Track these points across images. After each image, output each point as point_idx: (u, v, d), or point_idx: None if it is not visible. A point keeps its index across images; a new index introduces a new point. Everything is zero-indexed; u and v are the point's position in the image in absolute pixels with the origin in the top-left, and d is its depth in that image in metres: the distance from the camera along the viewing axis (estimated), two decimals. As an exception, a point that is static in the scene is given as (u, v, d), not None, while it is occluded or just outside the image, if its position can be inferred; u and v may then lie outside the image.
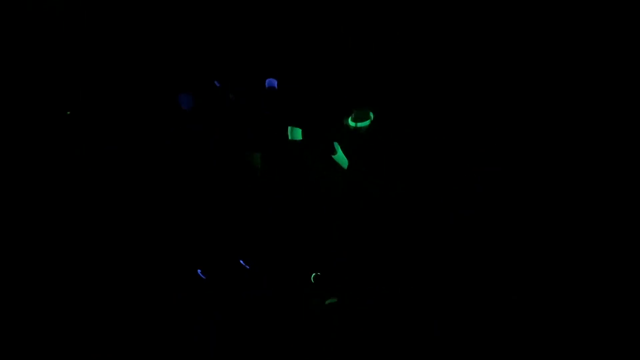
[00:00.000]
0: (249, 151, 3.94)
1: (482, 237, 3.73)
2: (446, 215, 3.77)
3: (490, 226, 3.73)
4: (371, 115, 3.70)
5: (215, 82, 3.90)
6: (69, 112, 3.99)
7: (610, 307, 3.55)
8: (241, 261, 3.90)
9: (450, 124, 3.78)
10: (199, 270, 3.93)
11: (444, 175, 3.78)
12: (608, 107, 3.60)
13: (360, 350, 3.74)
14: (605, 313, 3.56)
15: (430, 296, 3.77)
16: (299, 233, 3.90)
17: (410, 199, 3.79)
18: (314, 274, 3.78)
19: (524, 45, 3.67)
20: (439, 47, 3.74)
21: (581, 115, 3.63)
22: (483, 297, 3.71)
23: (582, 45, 3.60)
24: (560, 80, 3.65)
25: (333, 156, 3.69)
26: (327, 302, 3.78)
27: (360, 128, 3.70)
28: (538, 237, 3.68)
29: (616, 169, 3.60)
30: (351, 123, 3.68)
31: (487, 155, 3.74)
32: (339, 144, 3.73)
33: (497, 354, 3.64)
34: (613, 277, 3.57)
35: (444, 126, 3.78)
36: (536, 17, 3.64)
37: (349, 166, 3.76)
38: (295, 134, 3.77)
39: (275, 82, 3.81)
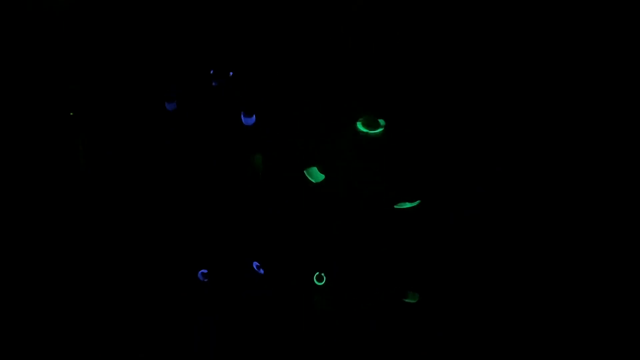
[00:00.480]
0: (250, 151, 3.95)
1: (483, 238, 3.74)
2: (446, 215, 3.78)
3: (491, 226, 3.73)
4: (382, 122, 3.68)
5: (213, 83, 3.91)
6: (72, 113, 4.00)
7: (610, 307, 3.56)
8: (254, 265, 3.91)
9: (451, 124, 3.78)
10: (199, 275, 3.94)
11: (445, 176, 3.78)
12: (609, 108, 3.60)
13: (361, 351, 3.75)
14: (605, 313, 3.56)
15: (431, 297, 3.77)
16: (299, 233, 3.90)
17: (411, 199, 3.79)
18: (317, 273, 3.78)
19: (524, 48, 3.67)
20: (438, 48, 3.74)
21: (581, 116, 3.63)
22: (484, 297, 3.71)
23: (582, 46, 3.59)
24: (560, 81, 3.64)
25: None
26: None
27: (371, 135, 3.69)
28: (539, 238, 3.69)
29: (617, 170, 3.60)
30: (361, 128, 3.67)
31: (488, 155, 3.74)
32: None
33: (497, 354, 3.65)
34: (614, 277, 3.57)
35: (444, 126, 3.78)
36: (536, 20, 3.64)
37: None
38: (315, 176, 3.78)
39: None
